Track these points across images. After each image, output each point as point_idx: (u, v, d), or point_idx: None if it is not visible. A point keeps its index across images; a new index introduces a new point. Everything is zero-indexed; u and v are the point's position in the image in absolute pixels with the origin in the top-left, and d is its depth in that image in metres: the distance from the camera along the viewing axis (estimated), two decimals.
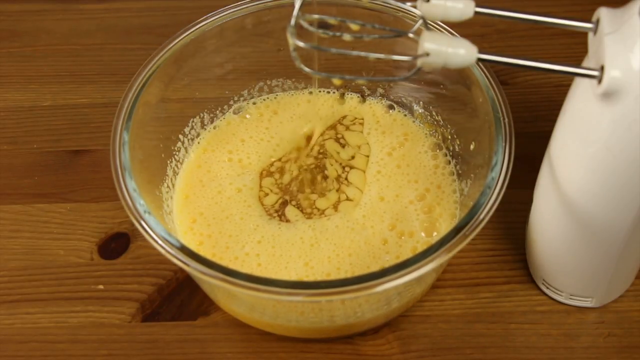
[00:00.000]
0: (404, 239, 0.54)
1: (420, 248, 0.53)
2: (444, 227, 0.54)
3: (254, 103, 0.62)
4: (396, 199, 0.56)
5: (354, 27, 0.44)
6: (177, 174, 0.58)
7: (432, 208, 0.55)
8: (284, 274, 0.52)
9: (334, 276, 0.52)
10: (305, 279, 0.52)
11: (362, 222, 0.55)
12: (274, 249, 0.53)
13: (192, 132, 0.60)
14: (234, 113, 0.62)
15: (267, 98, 0.63)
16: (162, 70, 0.55)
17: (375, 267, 0.52)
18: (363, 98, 0.63)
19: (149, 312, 0.55)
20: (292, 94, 0.63)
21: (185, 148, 0.59)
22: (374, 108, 0.62)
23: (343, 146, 0.59)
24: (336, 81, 0.43)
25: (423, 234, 0.54)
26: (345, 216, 0.55)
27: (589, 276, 0.51)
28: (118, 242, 0.59)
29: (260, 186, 0.57)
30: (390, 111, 0.62)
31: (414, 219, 0.54)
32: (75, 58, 0.73)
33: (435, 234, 0.54)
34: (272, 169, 0.58)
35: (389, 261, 0.52)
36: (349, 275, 0.52)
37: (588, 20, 0.42)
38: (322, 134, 0.60)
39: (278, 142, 0.60)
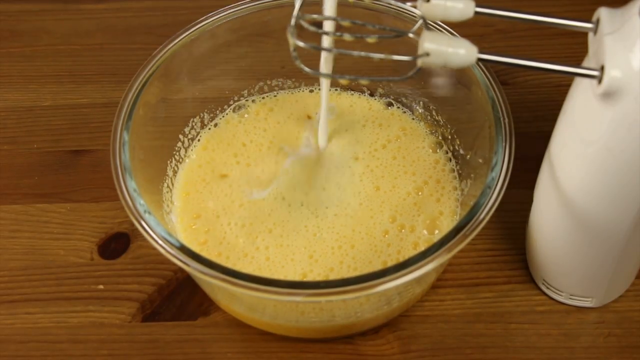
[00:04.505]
0: (404, 232, 0.54)
1: (421, 244, 0.53)
2: (445, 224, 0.54)
3: (253, 101, 0.62)
4: (393, 189, 0.56)
5: (345, 24, 0.44)
6: (177, 174, 0.58)
7: (431, 202, 0.55)
8: (290, 267, 0.52)
9: (336, 271, 0.52)
10: (310, 273, 0.52)
11: (359, 210, 0.55)
12: (282, 239, 0.53)
13: (192, 132, 0.60)
14: (234, 112, 0.62)
15: (267, 96, 0.63)
16: (162, 70, 0.55)
17: (376, 262, 0.52)
18: (363, 97, 0.63)
19: (149, 312, 0.55)
20: (292, 93, 0.63)
21: (185, 148, 0.59)
22: (374, 107, 0.62)
23: (339, 141, 0.59)
24: (343, 81, 0.43)
25: (425, 232, 0.54)
26: (342, 203, 0.55)
27: (589, 276, 0.51)
28: (118, 242, 0.59)
29: (270, 187, 0.57)
30: (389, 108, 0.62)
31: (414, 213, 0.55)
32: (75, 58, 0.73)
33: (437, 232, 0.54)
34: (275, 166, 0.58)
35: (391, 256, 0.53)
36: (351, 270, 0.52)
37: (588, 20, 0.42)
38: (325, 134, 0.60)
39: (278, 140, 0.60)
